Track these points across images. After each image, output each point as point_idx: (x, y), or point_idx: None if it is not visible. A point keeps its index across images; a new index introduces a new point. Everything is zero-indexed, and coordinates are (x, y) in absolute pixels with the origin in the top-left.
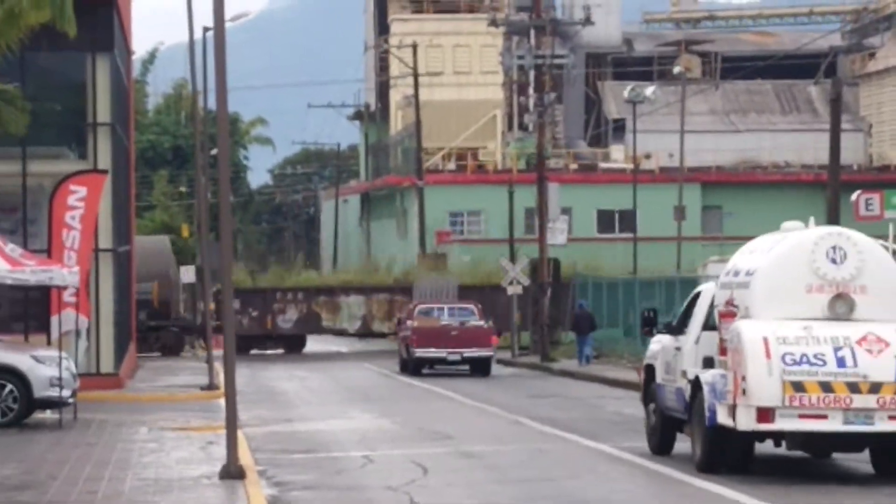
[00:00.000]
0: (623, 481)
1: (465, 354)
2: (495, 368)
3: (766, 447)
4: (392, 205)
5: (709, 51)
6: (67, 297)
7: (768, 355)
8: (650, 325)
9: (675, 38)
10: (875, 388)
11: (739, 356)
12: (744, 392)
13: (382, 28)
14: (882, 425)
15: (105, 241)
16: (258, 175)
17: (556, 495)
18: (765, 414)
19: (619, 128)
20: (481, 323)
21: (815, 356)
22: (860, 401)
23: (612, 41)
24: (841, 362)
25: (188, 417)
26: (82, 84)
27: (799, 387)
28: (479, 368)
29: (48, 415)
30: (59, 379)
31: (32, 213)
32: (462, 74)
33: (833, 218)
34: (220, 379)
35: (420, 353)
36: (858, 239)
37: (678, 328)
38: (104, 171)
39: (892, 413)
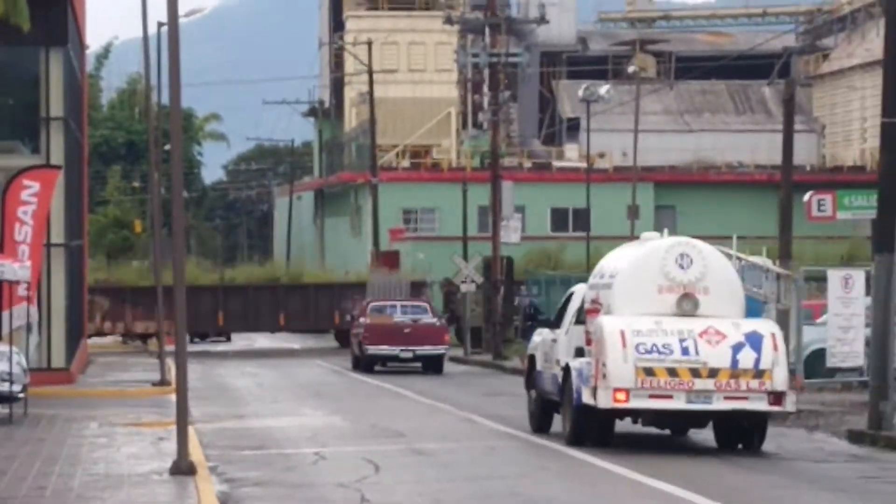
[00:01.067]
0: (572, 480)
1: (418, 352)
2: (448, 366)
3: (631, 427)
4: (346, 202)
5: (663, 50)
6: (20, 291)
7: (624, 345)
8: (531, 320)
9: (630, 37)
10: (713, 373)
11: (601, 346)
12: (604, 376)
13: (337, 25)
14: (718, 404)
15: (57, 236)
16: (212, 171)
17: (506, 493)
18: (621, 394)
19: (574, 127)
20: (434, 320)
21: (663, 346)
22: (700, 384)
23: (567, 40)
24: (685, 351)
25: (139, 413)
26: (35, 78)
27: (650, 371)
28: (432, 366)
29: None
30: (10, 374)
31: None
32: (417, 72)
33: (785, 218)
34: (172, 375)
35: (372, 350)
36: (703, 248)
37: (555, 323)
38: (57, 167)
39: (727, 394)
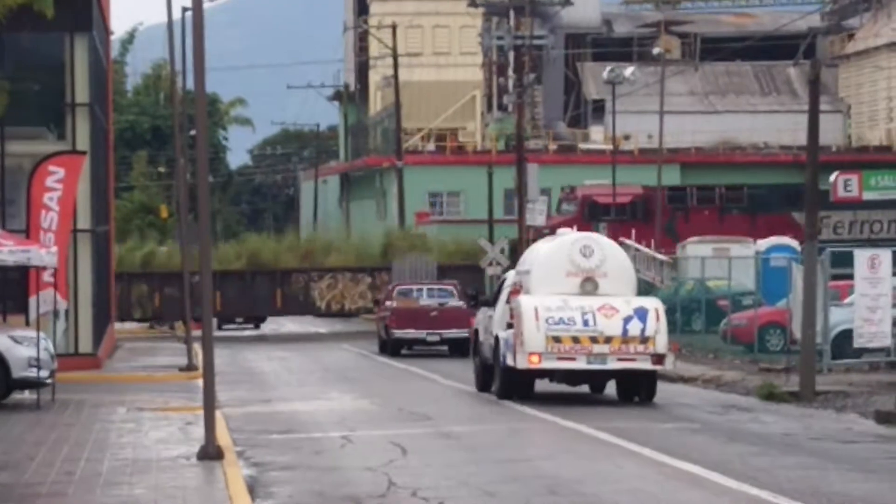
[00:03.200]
0: (599, 461)
1: (445, 335)
2: None
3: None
4: (371, 185)
5: (688, 32)
6: (46, 277)
7: (537, 318)
8: (475, 300)
9: (655, 19)
10: (608, 340)
11: (519, 319)
12: (521, 343)
13: (362, 8)
14: (612, 365)
15: (84, 221)
16: (237, 156)
17: (532, 476)
18: (535, 357)
19: (599, 109)
20: (460, 304)
21: (568, 319)
22: (598, 349)
23: (592, 22)
24: (585, 323)
25: (166, 398)
26: (61, 64)
27: (557, 339)
28: (458, 349)
29: (26, 395)
30: (38, 359)
31: (11, 193)
32: (441, 55)
33: (812, 199)
34: (199, 359)
35: (399, 333)
36: (602, 241)
37: (492, 302)
38: (83, 153)
39: (619, 357)
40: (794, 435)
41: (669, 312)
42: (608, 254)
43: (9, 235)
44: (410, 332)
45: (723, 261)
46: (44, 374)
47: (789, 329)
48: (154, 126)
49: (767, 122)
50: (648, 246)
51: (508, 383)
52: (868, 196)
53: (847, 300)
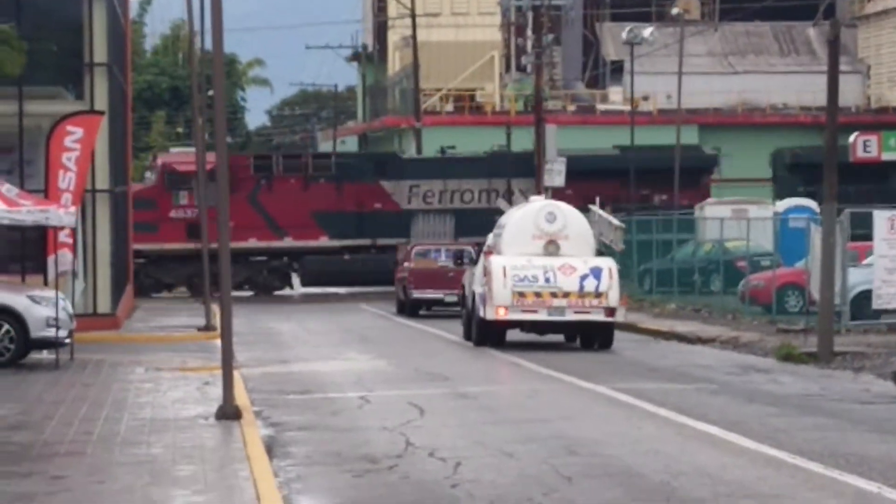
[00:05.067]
0: (618, 422)
1: None
2: None
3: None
4: (390, 146)
5: None
6: (63, 237)
7: (505, 276)
8: (460, 259)
9: None
10: (566, 294)
11: (489, 277)
12: (491, 297)
13: None
14: (570, 317)
15: (102, 182)
16: (256, 116)
17: (549, 436)
18: (502, 310)
19: (617, 69)
20: None
21: (532, 276)
22: (557, 302)
23: None
24: (547, 280)
25: (185, 358)
26: (79, 24)
27: (522, 294)
28: None
29: (45, 355)
30: (56, 319)
31: (29, 153)
32: (460, 15)
33: (831, 160)
34: (217, 320)
35: (417, 294)
36: (565, 208)
37: (475, 261)
38: (101, 112)
39: (576, 310)
40: (811, 396)
41: (688, 273)
42: (570, 220)
43: (27, 195)
44: (428, 293)
45: (741, 222)
46: (62, 333)
47: (808, 290)
48: (172, 86)
49: (787, 83)
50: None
51: (482, 332)
52: (887, 157)
53: (866, 261)
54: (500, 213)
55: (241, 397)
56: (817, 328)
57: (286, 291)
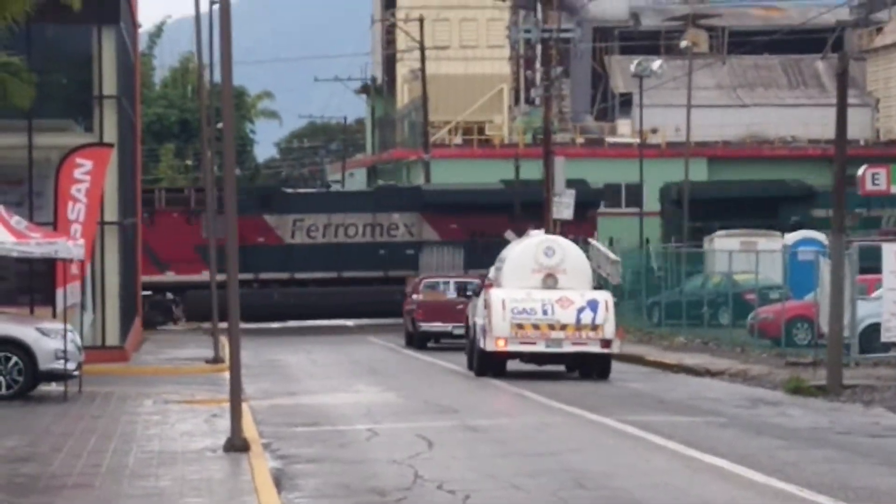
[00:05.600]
0: (627, 455)
1: None
2: None
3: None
4: (399, 179)
5: (716, 25)
6: (74, 269)
7: (504, 308)
8: (466, 293)
9: (683, 12)
10: (563, 327)
11: (489, 309)
12: (491, 329)
13: (389, 1)
14: (567, 348)
15: (111, 214)
16: (265, 149)
17: (558, 469)
18: (501, 341)
19: (626, 102)
20: None
21: (530, 309)
22: (555, 335)
23: (619, 15)
24: (545, 312)
25: (193, 390)
26: (88, 57)
27: (521, 326)
28: None
29: (53, 387)
30: (65, 351)
31: (38, 185)
32: (469, 48)
33: (839, 193)
34: (226, 352)
35: (425, 326)
36: (563, 242)
37: (479, 293)
38: (110, 145)
39: (573, 341)
40: (821, 429)
41: (697, 306)
42: (568, 254)
43: (36, 228)
44: (437, 325)
45: (750, 254)
46: (71, 366)
47: (817, 323)
48: (181, 119)
49: (795, 116)
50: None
51: (483, 363)
52: None
53: (874, 294)
54: (384, 247)
55: (249, 430)
56: (826, 361)
57: (168, 326)
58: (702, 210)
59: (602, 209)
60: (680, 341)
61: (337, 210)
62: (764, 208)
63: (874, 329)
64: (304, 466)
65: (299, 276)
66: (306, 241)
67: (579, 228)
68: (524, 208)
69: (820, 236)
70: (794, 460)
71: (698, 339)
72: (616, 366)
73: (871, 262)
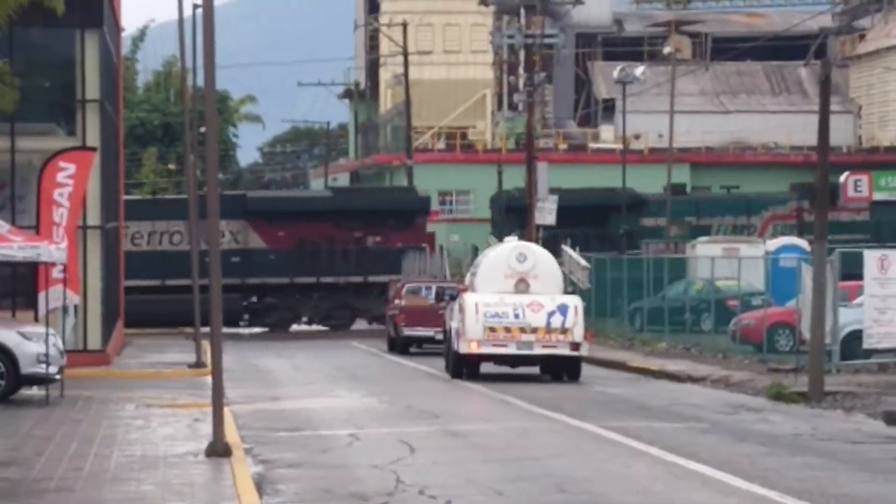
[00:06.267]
0: (608, 461)
1: None
2: None
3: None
4: (381, 183)
5: (699, 31)
6: (56, 273)
7: (477, 312)
8: (441, 298)
9: (666, 18)
10: (534, 330)
11: (463, 313)
12: (464, 332)
13: (373, 6)
14: (537, 351)
15: (93, 218)
16: (248, 153)
17: (540, 474)
18: (474, 344)
19: (609, 108)
20: None
21: (502, 313)
22: (525, 337)
23: (603, 21)
24: (516, 316)
25: (175, 395)
26: (71, 61)
27: (493, 329)
28: None
29: (35, 391)
30: (46, 355)
31: (21, 189)
32: (452, 53)
33: (822, 199)
34: (208, 357)
35: (408, 331)
36: (535, 248)
37: (455, 298)
38: (93, 149)
39: (543, 344)
40: (802, 435)
41: (679, 312)
42: (539, 260)
43: (18, 231)
44: (419, 330)
45: (732, 261)
46: (52, 370)
47: (798, 329)
48: (164, 123)
49: (778, 123)
50: None
51: (457, 364)
52: (878, 196)
53: (856, 301)
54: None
55: (231, 434)
56: (808, 367)
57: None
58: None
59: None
60: (662, 347)
61: (161, 218)
62: (594, 217)
63: (856, 336)
64: (286, 471)
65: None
66: (131, 249)
67: (407, 237)
68: (355, 216)
69: (802, 243)
70: (775, 466)
71: (680, 345)
72: (598, 371)
73: (853, 269)
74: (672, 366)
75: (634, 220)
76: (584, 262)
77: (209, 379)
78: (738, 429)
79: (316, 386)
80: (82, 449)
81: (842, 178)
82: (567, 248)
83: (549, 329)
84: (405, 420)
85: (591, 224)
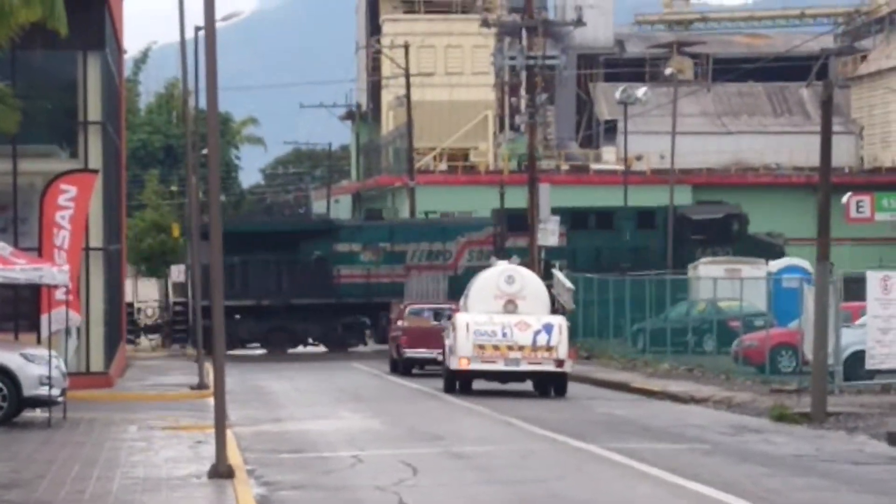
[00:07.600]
0: (611, 482)
1: None
2: None
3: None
4: (384, 205)
5: (700, 52)
6: (59, 295)
7: (468, 331)
8: (439, 317)
9: (667, 39)
10: (521, 348)
11: (455, 331)
12: (455, 350)
13: (374, 28)
14: (524, 367)
15: (95, 240)
16: (250, 175)
17: (543, 496)
18: (464, 360)
19: (611, 129)
20: None
21: (491, 332)
22: (513, 355)
23: (604, 42)
24: (504, 335)
25: (178, 416)
26: (73, 83)
27: (482, 347)
28: None
29: (37, 413)
30: (49, 377)
31: (23, 211)
32: (454, 75)
33: (823, 220)
34: (211, 378)
35: (410, 353)
36: (523, 271)
37: (450, 318)
38: (95, 171)
39: (529, 361)
40: (805, 456)
41: (681, 333)
42: (527, 282)
43: (21, 254)
44: (422, 352)
45: (734, 282)
46: (55, 392)
47: (801, 350)
48: (166, 145)
49: (780, 143)
50: None
51: (449, 380)
52: (880, 217)
53: (859, 321)
54: None
55: (234, 456)
56: (811, 388)
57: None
58: (227, 243)
59: None
60: (664, 368)
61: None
62: (286, 242)
63: (859, 356)
64: (289, 493)
65: None
66: None
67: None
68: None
69: (804, 263)
70: (778, 487)
71: (683, 366)
72: (601, 392)
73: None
74: (674, 387)
75: (327, 246)
76: (568, 284)
77: (212, 401)
78: (741, 450)
79: (318, 407)
80: (85, 471)
81: (844, 199)
82: (557, 272)
83: (535, 347)
84: (408, 441)
85: (280, 249)
